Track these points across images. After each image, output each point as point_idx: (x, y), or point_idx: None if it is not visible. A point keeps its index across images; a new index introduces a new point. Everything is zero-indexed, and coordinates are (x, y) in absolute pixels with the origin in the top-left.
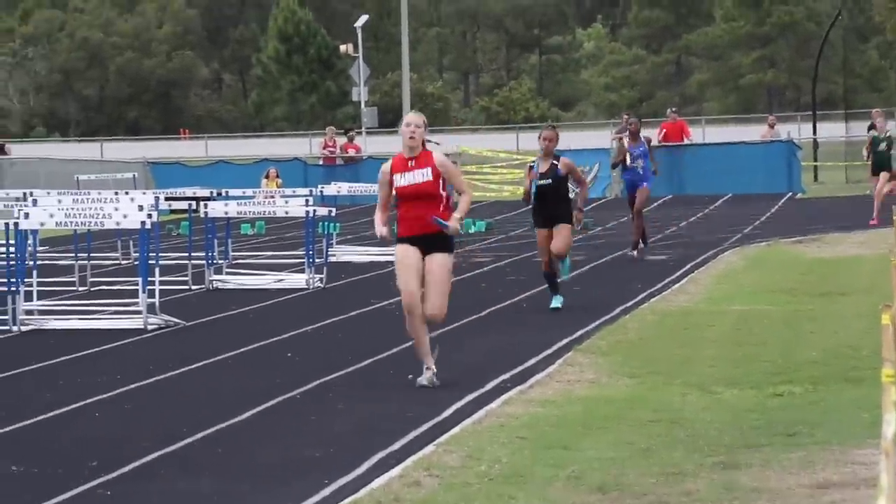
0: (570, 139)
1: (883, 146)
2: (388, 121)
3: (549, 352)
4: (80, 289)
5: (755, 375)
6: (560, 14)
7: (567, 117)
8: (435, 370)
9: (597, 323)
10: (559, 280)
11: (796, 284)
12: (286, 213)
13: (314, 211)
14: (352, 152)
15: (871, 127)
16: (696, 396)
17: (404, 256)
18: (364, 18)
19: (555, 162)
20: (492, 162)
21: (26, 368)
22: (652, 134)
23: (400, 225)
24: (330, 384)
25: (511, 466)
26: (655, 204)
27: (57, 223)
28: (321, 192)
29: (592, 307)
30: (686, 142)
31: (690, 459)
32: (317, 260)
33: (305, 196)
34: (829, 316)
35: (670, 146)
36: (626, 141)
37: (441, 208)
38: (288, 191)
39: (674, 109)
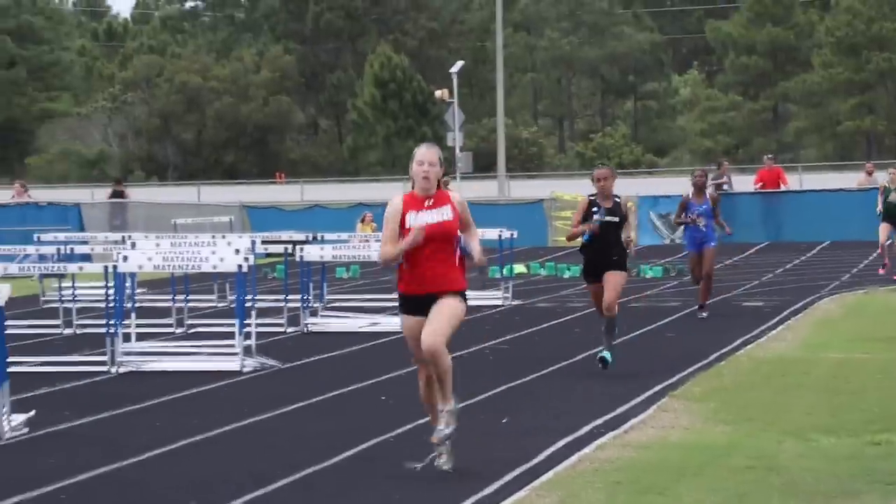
0: (665, 185)
1: (893, 196)
2: (483, 166)
3: (643, 397)
4: (178, 331)
5: (852, 423)
6: (656, 61)
7: (662, 163)
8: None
9: (692, 369)
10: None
11: (894, 333)
12: None
13: None
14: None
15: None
16: (792, 444)
17: (412, 329)
18: (460, 64)
19: (617, 199)
20: None
21: (124, 410)
22: (748, 181)
23: (404, 280)
24: (423, 428)
25: None
26: (753, 250)
27: (155, 266)
28: None
29: (687, 354)
30: (783, 189)
31: None
32: None
33: None
34: None
35: (767, 193)
36: (689, 196)
37: (456, 258)
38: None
39: (770, 157)
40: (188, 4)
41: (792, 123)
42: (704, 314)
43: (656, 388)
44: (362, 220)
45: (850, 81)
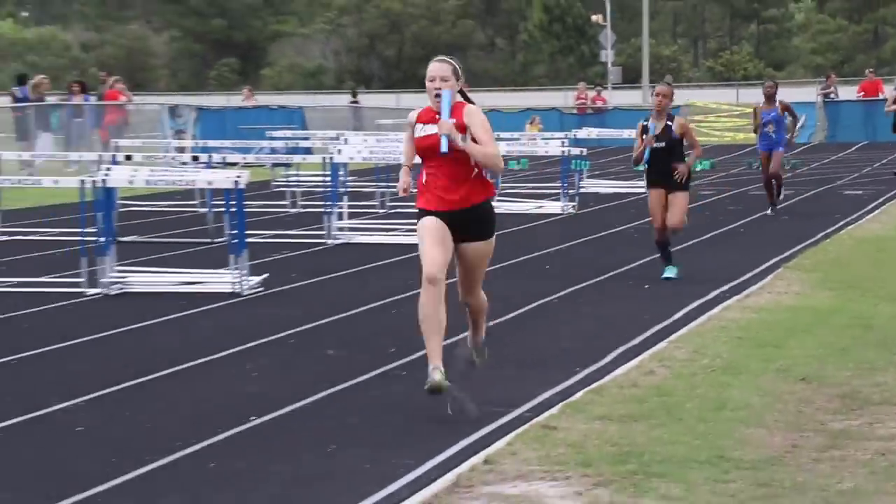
0: (781, 94)
1: None
2: (631, 78)
3: (761, 268)
4: (381, 211)
5: None
6: None
7: (780, 76)
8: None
9: (802, 245)
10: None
11: None
12: (545, 152)
13: (568, 151)
14: (600, 104)
15: None
16: (885, 307)
17: (430, 225)
18: None
19: (669, 122)
20: (715, 113)
21: (339, 273)
22: (852, 91)
23: (422, 196)
24: (580, 291)
25: (729, 361)
26: (853, 149)
27: (363, 158)
28: (574, 135)
29: (798, 233)
30: (880, 97)
31: (881, 357)
32: (570, 191)
33: (561, 139)
34: None
35: (867, 101)
36: (760, 105)
37: (472, 175)
38: (547, 134)
39: (871, 70)
40: None
41: (889, 43)
42: (771, 213)
43: (773, 261)
44: (530, 122)
45: None
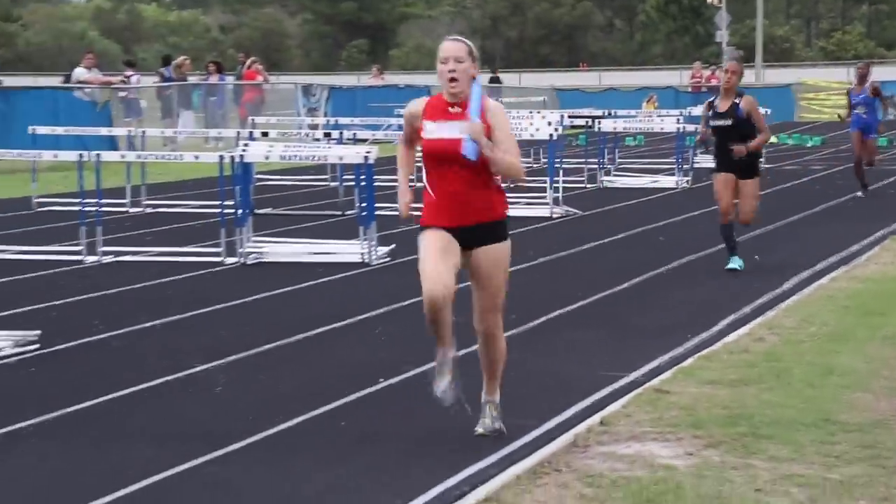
0: (892, 72)
1: None
2: (746, 57)
3: (869, 240)
4: (503, 185)
5: None
6: None
7: (890, 55)
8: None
9: None
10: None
11: None
12: (661, 128)
13: (683, 127)
14: (714, 82)
15: None
16: None
17: (432, 235)
18: None
19: (736, 100)
20: (826, 91)
21: None
22: None
23: (428, 210)
24: (693, 263)
25: (837, 328)
26: None
27: None
28: (689, 112)
29: None
30: None
31: None
32: (684, 166)
33: (676, 116)
34: None
35: None
36: (853, 85)
37: (491, 185)
38: (663, 111)
39: None
40: None
41: None
42: (862, 195)
43: (879, 233)
44: (647, 100)
45: None
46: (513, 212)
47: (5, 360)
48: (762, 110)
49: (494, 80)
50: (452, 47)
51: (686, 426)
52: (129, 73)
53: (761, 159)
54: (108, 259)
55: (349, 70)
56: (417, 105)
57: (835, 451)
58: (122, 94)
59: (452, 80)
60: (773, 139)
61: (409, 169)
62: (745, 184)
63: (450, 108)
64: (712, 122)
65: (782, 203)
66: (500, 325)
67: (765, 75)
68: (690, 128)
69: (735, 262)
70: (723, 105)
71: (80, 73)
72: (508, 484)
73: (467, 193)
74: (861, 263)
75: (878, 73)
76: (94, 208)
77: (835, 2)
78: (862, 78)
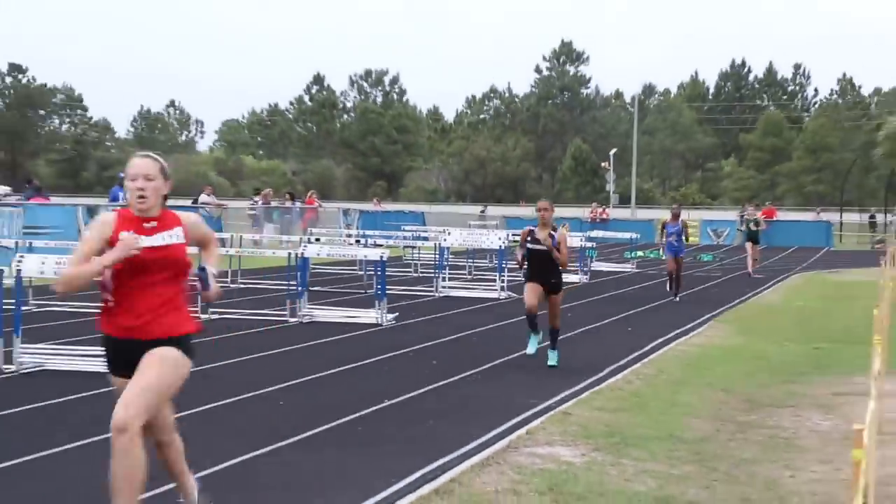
0: (718, 215)
1: (752, 225)
2: (624, 200)
3: (700, 320)
4: (468, 276)
5: (806, 337)
6: None
7: (714, 203)
8: None
9: (725, 307)
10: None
11: (830, 292)
12: (571, 244)
13: (585, 244)
14: (604, 216)
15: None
16: (775, 347)
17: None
18: None
19: (552, 232)
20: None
21: (442, 314)
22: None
23: (107, 320)
24: (597, 328)
25: (679, 376)
26: (764, 246)
27: (459, 244)
28: (588, 235)
29: (724, 300)
30: (774, 218)
31: (772, 378)
32: (585, 268)
33: (581, 236)
34: (846, 308)
35: (768, 220)
36: (668, 220)
37: (182, 293)
38: (574, 233)
39: (769, 202)
40: None
41: (780, 186)
42: (676, 300)
43: (706, 316)
44: (563, 226)
45: None
46: (474, 293)
47: None
48: (628, 236)
49: (482, 211)
50: (143, 164)
51: (581, 436)
52: (256, 198)
53: (564, 283)
54: (215, 317)
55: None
56: (108, 217)
57: (676, 455)
58: (250, 212)
59: (141, 197)
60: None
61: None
62: (554, 298)
63: (144, 224)
64: (530, 246)
65: (645, 293)
66: (171, 423)
67: (636, 213)
68: (589, 244)
69: (533, 344)
70: (540, 235)
71: (203, 197)
72: (465, 471)
73: (156, 304)
74: (695, 335)
75: (706, 214)
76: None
77: (680, 168)
78: (675, 216)
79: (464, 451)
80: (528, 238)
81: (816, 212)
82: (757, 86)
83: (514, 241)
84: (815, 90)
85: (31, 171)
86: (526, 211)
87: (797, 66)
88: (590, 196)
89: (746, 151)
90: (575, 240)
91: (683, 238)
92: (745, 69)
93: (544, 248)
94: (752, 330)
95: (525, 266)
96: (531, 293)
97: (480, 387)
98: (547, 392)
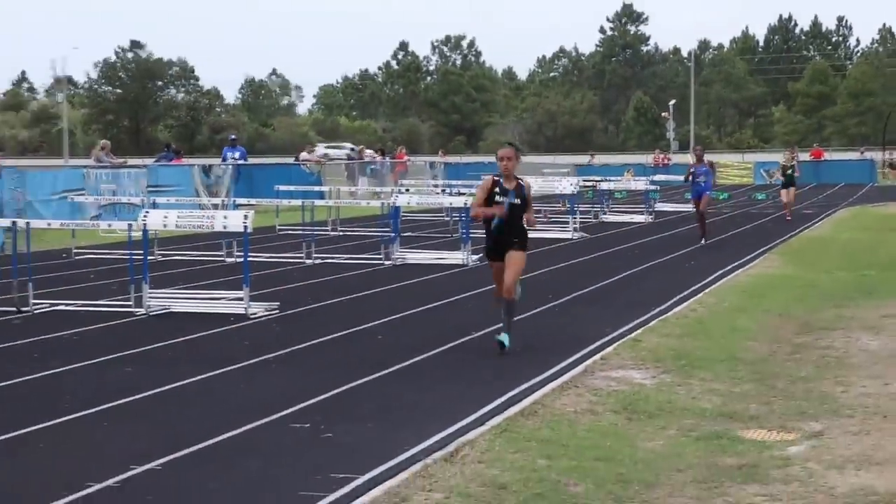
0: (771, 157)
1: (790, 170)
2: (684, 146)
3: (756, 252)
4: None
5: (854, 265)
6: None
7: (766, 146)
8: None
9: (779, 240)
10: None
11: (875, 224)
12: (636, 188)
13: (647, 188)
14: (666, 162)
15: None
16: (824, 275)
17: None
18: None
19: (520, 181)
20: (730, 167)
21: None
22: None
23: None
24: (656, 266)
25: (737, 304)
26: (807, 187)
27: (536, 189)
28: (653, 179)
29: (778, 233)
30: (822, 159)
31: (822, 303)
32: (649, 210)
33: (645, 180)
34: (891, 239)
35: (815, 161)
36: (693, 163)
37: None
38: (637, 178)
39: (816, 144)
40: None
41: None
42: (703, 241)
43: (763, 249)
44: (627, 172)
45: None
46: (547, 234)
47: (259, 319)
48: None
49: (591, 157)
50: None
51: (650, 360)
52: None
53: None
54: (318, 261)
55: (456, 153)
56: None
57: (737, 375)
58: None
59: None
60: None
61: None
62: (515, 255)
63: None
64: (498, 199)
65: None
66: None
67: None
68: (652, 187)
69: (506, 339)
70: (509, 185)
71: (303, 155)
72: (547, 394)
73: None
74: (752, 266)
75: (759, 157)
76: (310, 231)
77: (734, 115)
78: (699, 158)
79: (545, 376)
80: (497, 189)
81: (860, 151)
82: (803, 38)
83: (585, 187)
84: (857, 40)
85: (153, 135)
86: (593, 159)
87: (840, 19)
88: (652, 144)
89: (795, 98)
90: (640, 183)
91: (711, 179)
92: (792, 23)
93: (516, 201)
94: (804, 260)
95: (487, 227)
96: (498, 276)
97: (557, 318)
98: (618, 322)
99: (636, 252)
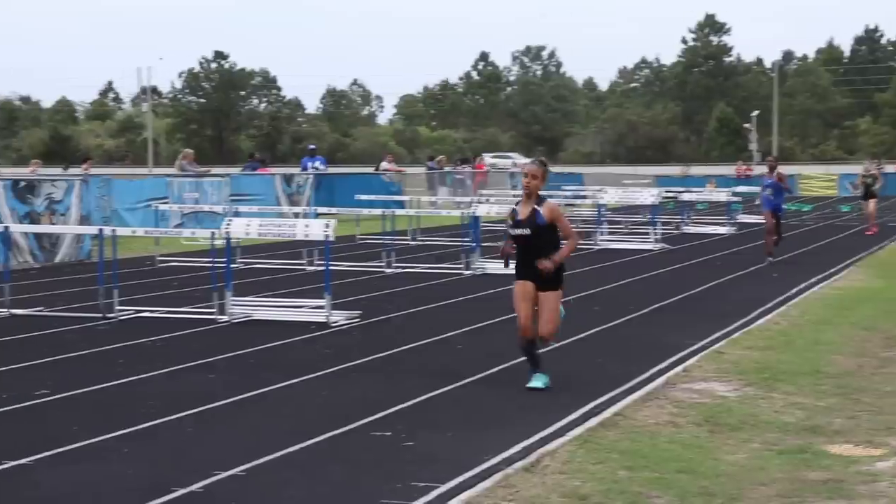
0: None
1: (869, 180)
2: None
3: (841, 265)
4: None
5: None
6: None
7: (852, 158)
8: None
9: (865, 253)
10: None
11: None
12: (718, 199)
13: (730, 199)
14: (748, 172)
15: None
16: None
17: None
18: None
19: (536, 207)
20: (812, 178)
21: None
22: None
23: None
24: (742, 276)
25: (822, 317)
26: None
27: (616, 200)
28: (735, 190)
29: (865, 246)
30: None
31: None
32: (731, 221)
33: (727, 192)
34: None
35: None
36: (764, 173)
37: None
38: (719, 189)
39: None
40: None
41: None
42: (770, 259)
43: (848, 261)
44: (710, 183)
45: None
46: (630, 245)
47: (340, 327)
48: None
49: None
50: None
51: (733, 373)
52: (429, 163)
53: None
54: (398, 270)
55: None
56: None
57: (822, 389)
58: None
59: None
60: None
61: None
62: (546, 296)
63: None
64: (511, 232)
65: (788, 244)
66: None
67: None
68: (735, 199)
69: (538, 381)
70: (523, 212)
71: (384, 165)
72: (628, 405)
73: None
74: (837, 279)
75: (844, 168)
76: (390, 240)
77: (819, 126)
78: (771, 169)
79: (626, 387)
80: (511, 221)
81: None
82: (890, 48)
83: (666, 199)
84: None
85: (235, 145)
86: (674, 169)
87: None
88: (734, 155)
89: (881, 110)
90: (721, 194)
91: (782, 192)
92: (878, 33)
93: (526, 232)
94: (891, 273)
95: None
96: (522, 301)
97: (639, 329)
98: (701, 333)
99: (718, 263)
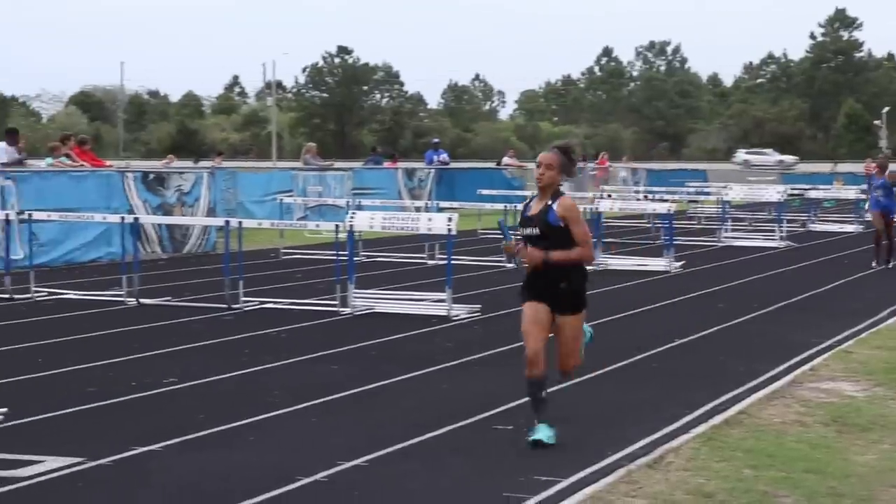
0: None
1: None
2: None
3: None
4: (749, 218)
5: None
6: None
7: None
8: None
9: None
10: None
11: None
12: (846, 197)
13: (859, 197)
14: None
15: None
16: None
17: None
18: None
19: (551, 203)
20: None
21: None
22: None
23: None
24: (869, 276)
25: None
26: None
27: (741, 197)
28: (863, 188)
29: None
30: None
31: None
32: (858, 219)
33: (856, 189)
34: None
35: None
36: (875, 172)
37: None
38: (847, 187)
39: None
40: None
41: None
42: (875, 265)
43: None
44: (837, 181)
45: None
46: (754, 242)
47: (461, 321)
48: None
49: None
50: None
51: (863, 373)
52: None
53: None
54: (512, 265)
55: (658, 160)
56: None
57: None
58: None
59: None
60: None
61: None
62: (568, 322)
63: None
64: (523, 232)
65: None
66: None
67: None
68: (863, 196)
69: (539, 433)
70: (535, 207)
71: (505, 160)
72: (753, 403)
73: None
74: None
75: None
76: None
77: None
78: (881, 168)
79: (751, 385)
80: (524, 216)
81: None
82: None
83: (792, 196)
84: None
85: (358, 139)
86: (806, 167)
87: None
88: (863, 152)
89: None
90: (850, 192)
91: (893, 193)
92: None
93: (535, 231)
94: None
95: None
96: (533, 326)
97: (764, 327)
98: (827, 332)
99: (846, 262)
